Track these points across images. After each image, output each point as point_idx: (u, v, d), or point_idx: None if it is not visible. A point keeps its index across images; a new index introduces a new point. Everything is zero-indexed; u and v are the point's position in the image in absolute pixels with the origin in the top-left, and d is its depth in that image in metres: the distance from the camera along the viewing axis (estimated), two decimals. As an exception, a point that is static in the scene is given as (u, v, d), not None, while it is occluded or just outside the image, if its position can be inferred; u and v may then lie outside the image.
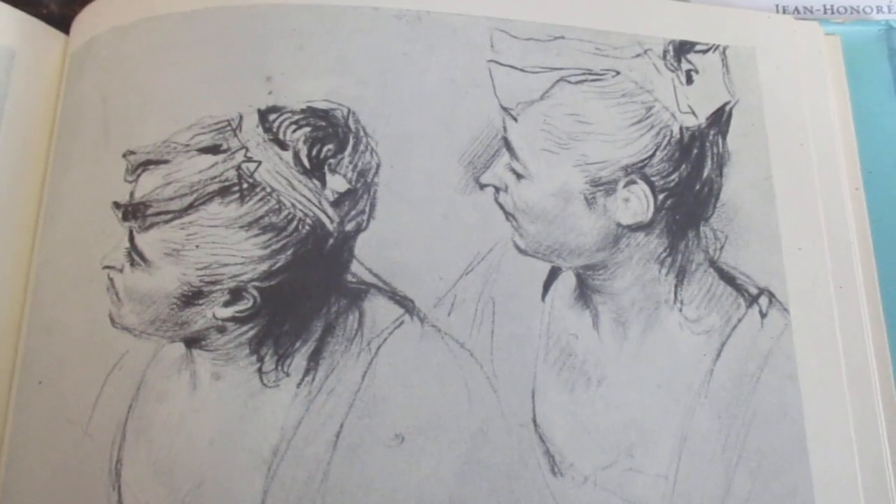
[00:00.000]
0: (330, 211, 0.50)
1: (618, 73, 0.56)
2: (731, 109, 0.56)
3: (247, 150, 0.51)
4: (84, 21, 0.58)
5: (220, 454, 0.46)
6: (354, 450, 0.47)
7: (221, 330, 0.49)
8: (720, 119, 0.56)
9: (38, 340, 0.51)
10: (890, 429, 0.51)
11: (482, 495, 0.47)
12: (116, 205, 0.51)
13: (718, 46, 0.58)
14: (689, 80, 0.56)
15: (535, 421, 0.49)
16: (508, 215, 0.52)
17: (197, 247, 0.49)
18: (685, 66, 0.57)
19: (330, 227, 0.50)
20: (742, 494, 0.49)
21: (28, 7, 0.59)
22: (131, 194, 0.51)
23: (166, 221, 0.50)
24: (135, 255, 0.50)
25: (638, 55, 0.56)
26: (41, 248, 0.53)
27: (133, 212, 0.50)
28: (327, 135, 0.52)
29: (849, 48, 0.61)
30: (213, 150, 0.51)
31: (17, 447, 0.49)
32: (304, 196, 0.50)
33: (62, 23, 0.59)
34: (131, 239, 0.50)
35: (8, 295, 0.52)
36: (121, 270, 0.50)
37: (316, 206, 0.50)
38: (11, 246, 0.54)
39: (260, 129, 0.51)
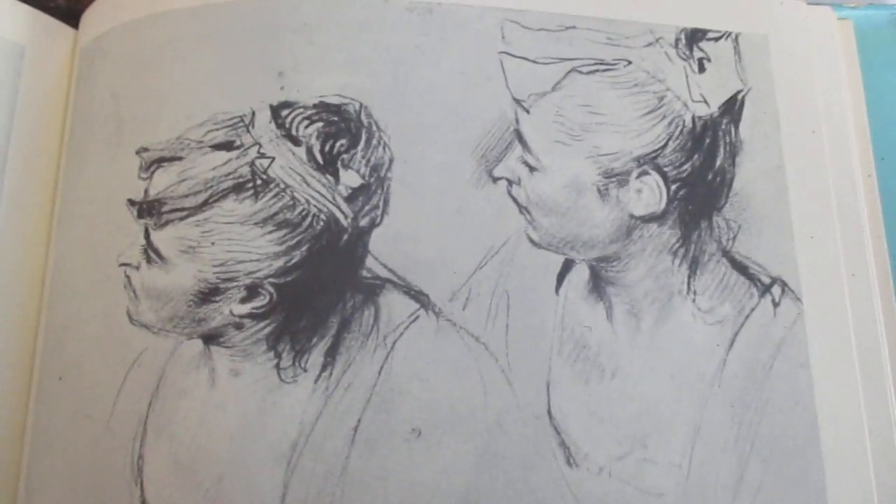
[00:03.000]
0: (344, 206, 0.51)
1: (629, 62, 0.55)
2: (743, 97, 0.56)
3: (260, 146, 0.51)
4: (93, 16, 0.58)
5: (241, 449, 0.47)
6: (372, 444, 0.48)
7: (239, 326, 0.50)
8: (733, 107, 0.56)
9: (57, 337, 0.51)
10: (901, 415, 0.52)
11: (499, 487, 0.48)
12: (131, 202, 0.51)
13: (731, 34, 0.57)
14: (702, 69, 0.56)
15: (549, 413, 0.49)
16: (522, 208, 0.52)
17: (213, 244, 0.49)
18: (697, 54, 0.56)
19: (344, 222, 0.51)
20: (755, 482, 0.49)
21: (35, 2, 0.58)
22: (146, 191, 0.51)
23: (181, 218, 0.50)
24: (151, 253, 0.50)
25: (649, 44, 0.56)
26: (57, 246, 0.53)
27: (148, 209, 0.51)
28: (340, 130, 0.52)
29: (861, 33, 0.60)
30: (227, 146, 0.51)
31: (39, 442, 0.50)
32: (317, 192, 0.50)
33: (71, 17, 0.59)
34: (147, 236, 0.50)
35: (24, 292, 0.53)
36: (137, 268, 0.50)
37: (330, 201, 0.50)
38: (26, 243, 0.54)
39: (272, 125, 0.52)
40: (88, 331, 0.50)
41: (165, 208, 0.50)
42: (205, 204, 0.50)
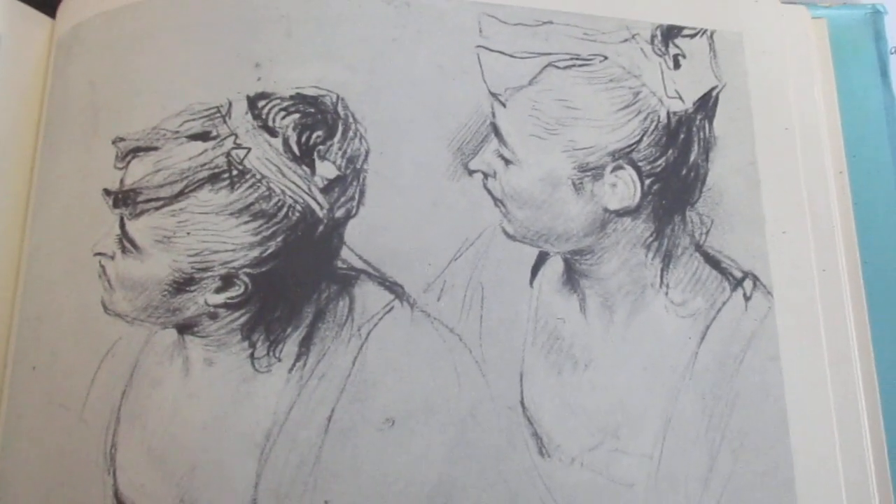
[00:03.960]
0: (320, 197, 0.51)
1: (605, 58, 0.56)
2: (717, 94, 0.57)
3: (236, 136, 0.51)
4: (70, 5, 0.57)
5: (214, 438, 0.47)
6: (346, 433, 0.48)
7: (213, 316, 0.49)
8: (707, 104, 0.56)
9: (30, 327, 0.51)
10: (869, 409, 0.52)
11: (471, 476, 0.48)
12: (107, 192, 0.51)
13: (706, 31, 0.58)
14: (677, 65, 0.57)
15: (522, 404, 0.50)
16: (497, 201, 0.53)
17: (188, 234, 0.49)
18: (672, 50, 0.57)
19: (320, 213, 0.51)
20: (725, 473, 0.50)
21: (13, -9, 0.58)
22: (121, 181, 0.51)
23: (157, 208, 0.50)
24: (126, 242, 0.50)
25: (625, 40, 0.57)
26: (32, 236, 0.53)
27: (124, 199, 0.51)
28: (316, 121, 0.52)
29: (835, 32, 0.61)
30: (203, 136, 0.51)
31: (11, 432, 0.49)
32: (293, 183, 0.50)
33: (48, 6, 0.59)
34: (122, 226, 0.50)
35: (-1, 281, 0.53)
36: (112, 257, 0.50)
37: (306, 192, 0.51)
38: (1, 232, 0.54)
39: (249, 116, 0.52)
40: (62, 321, 0.50)
41: (141, 198, 0.50)
42: (180, 194, 0.50)
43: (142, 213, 0.50)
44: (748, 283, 0.53)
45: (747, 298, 0.53)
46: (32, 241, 0.53)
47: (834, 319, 0.54)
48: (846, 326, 0.54)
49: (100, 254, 0.50)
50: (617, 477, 0.49)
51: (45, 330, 0.50)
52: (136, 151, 0.51)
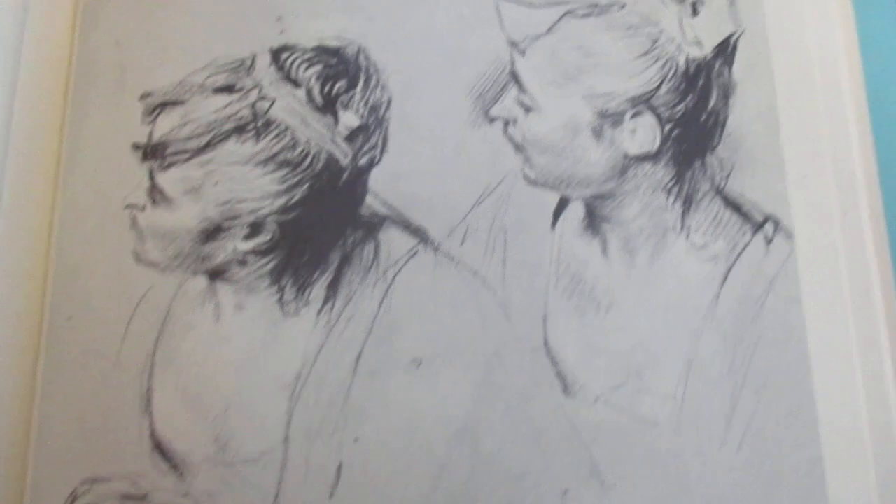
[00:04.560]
0: (343, 146, 0.52)
1: (624, 5, 0.56)
2: (736, 40, 0.57)
3: (260, 88, 0.52)
4: (95, -33, 0.59)
5: (245, 380, 0.48)
6: (374, 374, 0.49)
7: (242, 263, 0.51)
8: (726, 50, 0.56)
9: (65, 279, 0.52)
10: (892, 350, 0.52)
11: (497, 415, 0.49)
12: (136, 146, 0.53)
13: (724, -23, 0.58)
14: (695, 12, 0.57)
15: (546, 344, 0.50)
16: (518, 147, 0.53)
17: (216, 183, 0.50)
18: (691, -3, 0.57)
19: (344, 161, 0.52)
20: (747, 412, 0.50)
21: (39, -45, 0.59)
22: (150, 135, 0.52)
23: (185, 160, 0.51)
24: (156, 194, 0.51)
25: (644, -13, 0.57)
26: (64, 192, 0.55)
27: (152, 152, 0.52)
28: (339, 72, 0.53)
29: (855, -25, 0.61)
30: (228, 89, 0.52)
31: (50, 380, 0.51)
32: (317, 132, 0.51)
33: (73, -30, 0.60)
34: (152, 178, 0.52)
35: (33, 236, 0.54)
36: (143, 209, 0.52)
37: (330, 141, 0.51)
38: (34, 190, 0.55)
39: (273, 68, 0.52)
40: (96, 272, 0.52)
41: (169, 150, 0.51)
42: (207, 145, 0.51)
43: (170, 165, 0.51)
44: (769, 227, 0.54)
45: (768, 241, 0.53)
46: (65, 197, 0.54)
47: (855, 261, 0.54)
48: (868, 268, 0.54)
49: (131, 206, 0.52)
50: (640, 416, 0.50)
51: (80, 281, 0.52)
52: (163, 106, 0.53)
